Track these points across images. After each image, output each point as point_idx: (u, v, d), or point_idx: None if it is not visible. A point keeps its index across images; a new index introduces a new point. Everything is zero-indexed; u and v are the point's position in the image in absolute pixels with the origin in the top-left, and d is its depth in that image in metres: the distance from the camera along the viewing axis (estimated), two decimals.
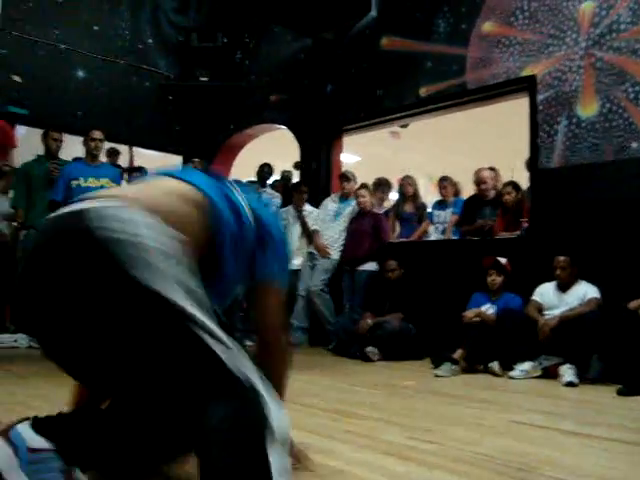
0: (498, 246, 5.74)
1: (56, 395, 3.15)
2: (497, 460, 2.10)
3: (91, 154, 5.94)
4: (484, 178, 6.24)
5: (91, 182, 5.79)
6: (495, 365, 4.75)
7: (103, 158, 6.71)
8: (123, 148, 8.51)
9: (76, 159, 6.77)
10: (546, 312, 4.91)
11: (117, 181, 6.10)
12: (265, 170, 8.18)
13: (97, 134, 5.96)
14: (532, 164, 5.81)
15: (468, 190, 7.12)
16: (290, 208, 7.47)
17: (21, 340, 5.57)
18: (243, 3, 8.89)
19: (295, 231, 7.30)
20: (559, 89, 5.60)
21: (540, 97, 5.73)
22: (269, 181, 8.39)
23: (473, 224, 6.17)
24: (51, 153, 6.19)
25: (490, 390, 4.08)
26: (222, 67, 9.09)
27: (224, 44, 9.11)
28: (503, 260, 5.34)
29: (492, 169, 6.45)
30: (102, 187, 5.80)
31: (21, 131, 7.60)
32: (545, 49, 5.74)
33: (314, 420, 2.74)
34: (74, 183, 5.72)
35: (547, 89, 5.69)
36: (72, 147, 7.16)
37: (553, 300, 4.95)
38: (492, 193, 6.24)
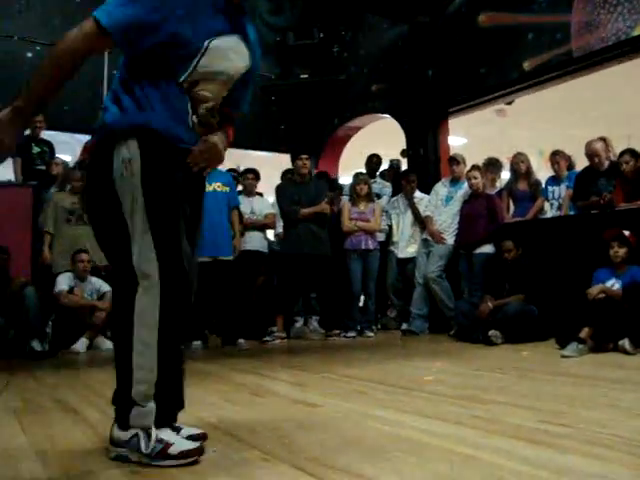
0: (619, 218, 5.49)
1: (191, 394, 3.32)
2: (636, 442, 2.03)
3: None
4: (596, 150, 5.98)
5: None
6: (626, 342, 4.55)
7: None
8: (233, 151, 8.74)
9: None
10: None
11: (230, 184, 6.30)
12: (374, 161, 8.19)
13: None
14: None
15: (582, 163, 6.84)
16: (400, 197, 7.45)
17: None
18: None
19: (407, 219, 7.29)
20: None
21: None
22: (378, 171, 8.40)
23: (588, 198, 5.93)
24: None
25: (622, 369, 3.93)
26: (321, 62, 9.18)
27: (321, 39, 9.19)
28: (626, 232, 5.11)
29: (603, 139, 6.17)
30: (214, 191, 6.05)
31: None
32: None
33: (441, 407, 2.74)
34: None
35: None
36: None
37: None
38: (606, 164, 5.97)
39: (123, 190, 1.98)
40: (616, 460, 1.84)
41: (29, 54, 8.52)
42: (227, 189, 6.21)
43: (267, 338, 6.47)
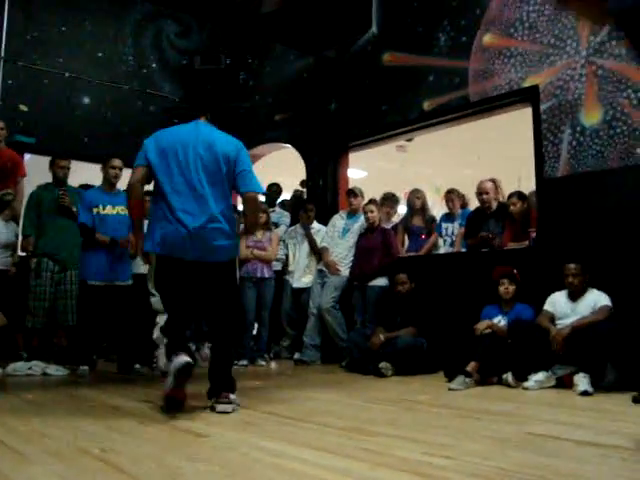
0: (507, 257, 5.73)
1: (72, 422, 3.18)
2: (515, 474, 2.09)
3: (109, 182, 5.97)
4: (485, 189, 6.25)
5: (108, 210, 5.88)
6: (509, 376, 4.73)
7: None
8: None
9: (83, 186, 6.82)
10: (558, 321, 4.89)
11: None
12: (273, 189, 8.21)
13: (117, 162, 6.00)
14: (538, 174, 5.81)
15: (475, 202, 7.12)
16: (298, 227, 7.49)
17: (35, 367, 5.58)
18: (245, 24, 8.97)
19: (304, 249, 7.32)
20: (562, 98, 5.62)
21: (543, 107, 5.75)
22: (278, 200, 8.42)
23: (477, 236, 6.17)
24: (59, 180, 6.22)
25: (505, 402, 4.07)
26: (226, 88, 9.15)
27: (227, 65, 9.18)
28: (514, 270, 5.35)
29: (493, 180, 6.45)
30: (117, 214, 5.88)
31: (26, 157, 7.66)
32: (546, 59, 5.77)
33: (329, 438, 2.74)
34: (94, 210, 5.82)
35: (550, 98, 5.70)
36: (80, 173, 7.21)
37: (565, 309, 4.93)
38: (495, 204, 6.24)
39: None
40: None
41: (86, 99, 8.12)
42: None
43: (156, 365, 6.29)
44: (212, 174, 3.70)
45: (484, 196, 6.24)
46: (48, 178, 6.30)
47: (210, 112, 4.28)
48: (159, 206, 3.67)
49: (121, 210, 5.90)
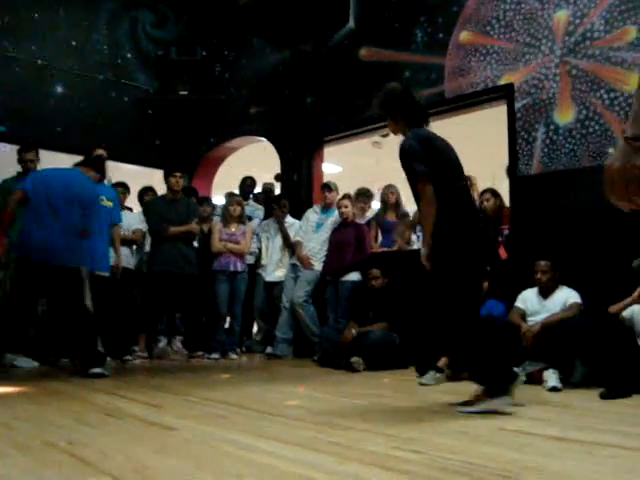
0: None
1: (39, 415, 3.14)
2: (482, 468, 2.10)
3: None
4: None
5: None
6: None
7: None
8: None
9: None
10: (529, 318, 4.94)
11: (113, 199, 6.07)
12: (247, 183, 8.18)
13: (102, 152, 5.94)
14: (511, 171, 5.86)
15: None
16: (271, 220, 7.47)
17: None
18: (221, 16, 8.92)
19: (277, 243, 7.31)
20: (536, 97, 5.66)
21: (518, 105, 5.79)
22: (252, 194, 8.39)
23: None
24: (26, 172, 6.12)
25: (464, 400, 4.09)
26: (201, 80, 9.10)
27: (203, 57, 9.12)
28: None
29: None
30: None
31: (3, 148, 7.54)
32: (521, 57, 5.81)
33: (298, 432, 2.73)
34: None
35: (524, 97, 5.75)
36: (52, 162, 7.11)
37: (535, 306, 4.98)
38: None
39: None
40: None
41: (59, 88, 7.99)
42: (110, 204, 6.00)
43: (128, 357, 6.25)
44: None
45: None
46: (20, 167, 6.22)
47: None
48: None
49: (101, 201, 5.83)
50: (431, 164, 3.44)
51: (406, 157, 3.49)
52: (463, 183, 3.64)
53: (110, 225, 6.02)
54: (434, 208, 3.38)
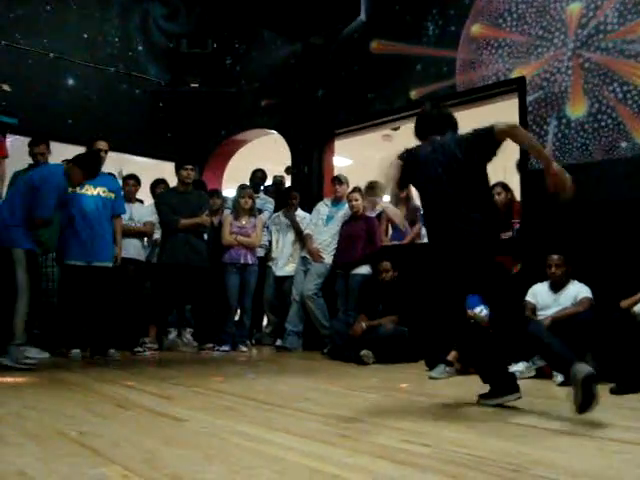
0: None
1: (50, 405, 3.16)
2: (491, 462, 2.10)
3: None
4: None
5: (87, 190, 5.83)
6: None
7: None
8: (114, 156, 8.50)
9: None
10: (540, 312, 4.92)
11: (115, 190, 6.08)
12: (258, 175, 8.17)
13: (102, 145, 5.97)
14: (522, 165, 5.83)
15: None
16: (282, 213, 7.47)
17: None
18: (233, 9, 8.91)
19: (288, 238, 7.31)
20: (548, 90, 5.63)
21: (529, 98, 5.76)
22: (262, 186, 8.39)
23: None
24: (38, 164, 6.15)
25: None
26: (212, 73, 9.09)
27: (214, 50, 9.11)
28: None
29: None
30: (98, 195, 5.83)
31: (9, 140, 7.57)
32: (534, 50, 5.77)
33: (308, 425, 2.74)
34: (70, 190, 5.70)
35: (536, 90, 5.72)
36: (63, 154, 7.14)
37: (546, 300, 4.96)
38: None
39: None
40: (473, 479, 1.90)
41: (71, 81, 8.01)
42: (112, 195, 5.99)
43: (138, 349, 6.28)
44: None
45: None
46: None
47: None
48: None
49: (102, 192, 5.87)
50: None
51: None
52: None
53: (114, 216, 6.03)
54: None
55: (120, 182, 6.76)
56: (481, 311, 5.18)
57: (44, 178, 5.07)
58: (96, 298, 5.79)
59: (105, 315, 5.84)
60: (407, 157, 3.67)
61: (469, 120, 7.54)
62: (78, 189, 5.75)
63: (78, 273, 5.73)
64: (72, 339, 5.78)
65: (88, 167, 5.28)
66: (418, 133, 3.91)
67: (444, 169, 3.49)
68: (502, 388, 3.36)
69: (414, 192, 7.58)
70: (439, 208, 3.47)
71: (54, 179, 5.08)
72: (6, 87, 7.53)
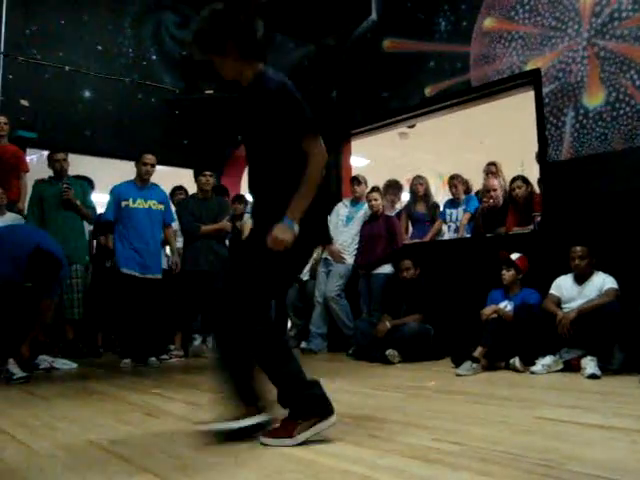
0: (512, 242, 5.72)
1: (80, 415, 3.19)
2: (523, 458, 2.09)
3: (141, 177, 6.09)
4: (493, 185, 6.20)
5: (139, 203, 6.00)
6: (516, 361, 4.73)
7: None
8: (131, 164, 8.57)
9: (78, 177, 6.81)
10: (565, 305, 4.88)
11: (164, 202, 6.21)
12: None
13: (149, 159, 6.10)
14: (541, 157, 5.79)
15: (478, 186, 7.11)
16: None
17: (43, 362, 5.59)
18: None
19: None
20: (564, 81, 5.59)
21: (545, 90, 5.72)
22: None
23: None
24: (58, 174, 6.24)
25: (512, 387, 4.06)
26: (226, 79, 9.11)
27: None
28: (514, 256, 5.30)
29: (494, 164, 6.45)
30: (149, 208, 6.01)
31: (36, 160, 7.67)
32: (548, 42, 5.73)
33: (337, 427, 2.73)
34: (123, 204, 5.95)
35: (552, 81, 5.68)
36: (82, 166, 7.22)
37: (571, 293, 4.92)
38: (501, 199, 6.17)
39: None
40: (505, 476, 1.89)
41: (87, 93, 8.13)
42: (162, 207, 6.15)
43: (164, 356, 6.32)
44: None
45: (492, 192, 6.16)
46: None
47: None
48: None
49: (153, 205, 6.04)
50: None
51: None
52: None
53: (164, 226, 6.26)
54: None
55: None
56: (505, 306, 5.16)
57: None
58: (146, 309, 5.91)
59: (148, 324, 5.94)
60: None
61: (485, 114, 7.54)
62: (131, 203, 5.95)
63: (132, 283, 5.84)
64: (125, 349, 5.87)
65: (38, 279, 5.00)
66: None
67: None
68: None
69: (432, 188, 7.59)
70: None
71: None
72: (24, 102, 7.60)
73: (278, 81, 2.75)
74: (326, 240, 2.73)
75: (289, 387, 2.45)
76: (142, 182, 6.10)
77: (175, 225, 6.92)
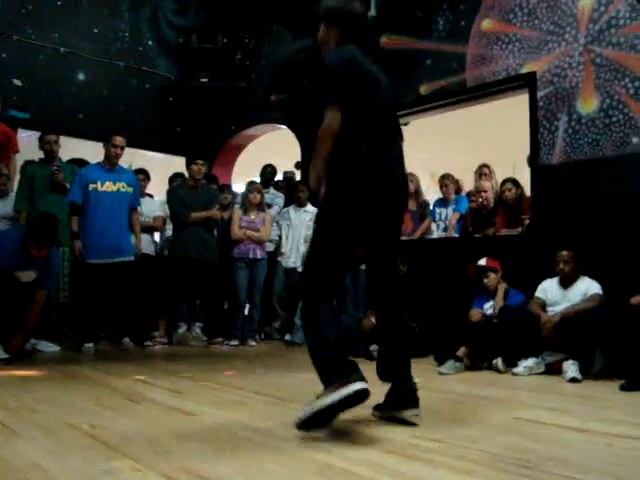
0: (500, 243, 5.74)
1: (61, 399, 3.18)
2: (501, 457, 2.10)
3: (109, 160, 5.95)
4: (484, 187, 6.21)
5: (107, 186, 5.88)
6: (498, 362, 4.76)
7: None
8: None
9: (73, 160, 6.75)
10: (549, 308, 4.91)
11: (134, 185, 6.11)
12: (268, 170, 8.17)
13: (119, 141, 5.94)
14: (533, 161, 5.81)
15: (469, 187, 7.12)
16: (291, 208, 7.46)
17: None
18: (242, 4, 8.90)
19: (298, 231, 7.30)
20: (559, 85, 5.61)
21: (540, 94, 5.73)
22: (273, 181, 8.39)
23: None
24: (49, 155, 6.19)
25: (494, 387, 4.09)
26: (222, 68, 9.10)
27: (224, 45, 9.12)
28: (483, 261, 5.31)
29: (486, 166, 6.47)
30: (118, 191, 5.88)
31: (27, 138, 7.61)
32: (544, 46, 5.75)
33: None
34: (91, 187, 5.81)
35: (547, 85, 5.69)
36: (74, 149, 7.18)
37: (556, 296, 4.94)
38: (492, 201, 6.18)
39: None
40: (482, 475, 1.90)
41: (81, 75, 8.04)
42: (130, 190, 6.03)
43: (148, 342, 6.31)
44: None
45: (482, 194, 6.18)
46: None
47: None
48: None
49: (122, 187, 5.92)
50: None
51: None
52: None
53: (131, 210, 6.08)
54: None
55: None
56: (490, 307, 5.19)
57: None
58: (117, 291, 5.87)
59: (122, 306, 5.92)
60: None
61: (479, 115, 7.55)
62: (99, 186, 5.82)
63: (101, 271, 5.78)
64: (86, 333, 5.82)
65: (41, 240, 5.08)
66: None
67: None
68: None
69: (423, 187, 7.60)
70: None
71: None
72: (17, 82, 7.56)
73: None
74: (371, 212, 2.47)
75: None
76: (111, 164, 5.96)
77: (165, 213, 6.91)
